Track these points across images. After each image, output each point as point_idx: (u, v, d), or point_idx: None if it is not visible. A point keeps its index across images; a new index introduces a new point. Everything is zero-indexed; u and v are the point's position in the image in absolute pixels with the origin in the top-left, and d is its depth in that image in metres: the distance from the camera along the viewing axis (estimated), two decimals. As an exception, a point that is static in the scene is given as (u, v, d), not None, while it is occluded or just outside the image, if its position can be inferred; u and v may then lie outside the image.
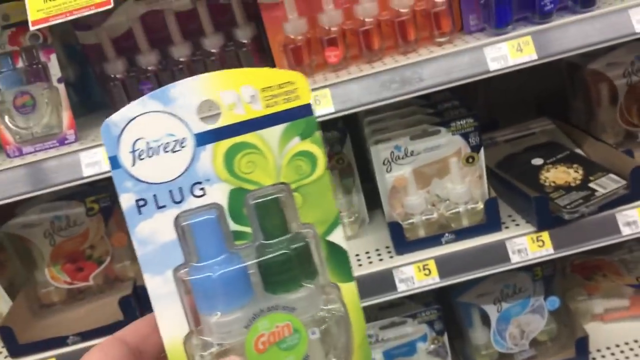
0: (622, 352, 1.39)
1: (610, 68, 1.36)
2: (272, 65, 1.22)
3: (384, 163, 1.24)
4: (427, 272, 1.23)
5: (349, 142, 1.36)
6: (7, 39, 1.16)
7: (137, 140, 0.42)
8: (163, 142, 0.43)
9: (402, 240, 1.25)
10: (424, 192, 1.26)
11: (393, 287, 1.23)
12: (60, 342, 1.23)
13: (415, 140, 1.23)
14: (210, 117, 0.44)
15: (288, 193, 0.45)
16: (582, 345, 1.37)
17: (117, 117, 0.42)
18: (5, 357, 1.24)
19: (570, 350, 1.38)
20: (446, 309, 1.39)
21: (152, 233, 0.43)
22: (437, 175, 1.25)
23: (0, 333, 1.22)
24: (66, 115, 1.15)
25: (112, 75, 1.22)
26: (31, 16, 0.95)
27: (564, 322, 1.42)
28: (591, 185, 1.24)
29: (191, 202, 0.43)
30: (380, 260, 1.27)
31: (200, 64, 1.23)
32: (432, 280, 1.23)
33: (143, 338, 0.45)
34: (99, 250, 1.36)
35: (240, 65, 1.22)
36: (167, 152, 0.43)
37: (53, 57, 1.15)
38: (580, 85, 1.44)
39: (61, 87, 1.16)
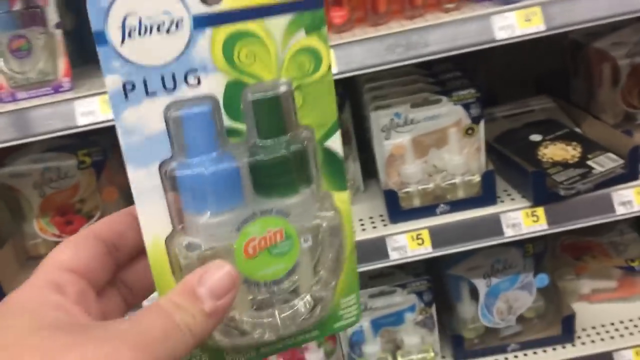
0: (607, 332, 1.40)
1: (614, 48, 1.35)
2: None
3: (382, 130, 1.23)
4: (420, 241, 1.22)
5: (348, 108, 1.35)
6: (4, -20, 1.12)
7: (128, 15, 0.37)
8: (158, 20, 0.38)
9: (396, 209, 1.24)
10: (421, 161, 1.25)
11: (385, 255, 1.23)
12: (47, 293, 1.21)
13: (415, 109, 1.22)
14: None
15: (289, 90, 0.41)
16: (568, 323, 1.38)
17: None
18: (-10, 306, 1.22)
19: (556, 328, 1.39)
20: (436, 282, 1.39)
21: (139, 121, 0.39)
22: (436, 145, 1.24)
23: (-14, 282, 1.20)
24: (62, 62, 1.13)
25: (111, 25, 1.19)
26: (31, -46, 0.92)
27: (552, 300, 1.43)
28: (589, 163, 1.24)
29: (184, 91, 0.39)
30: (374, 228, 1.26)
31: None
32: (425, 250, 1.23)
33: (119, 234, 0.42)
34: (89, 204, 1.34)
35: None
36: (161, 32, 0.38)
37: (51, 1, 1.12)
38: (583, 64, 1.43)
39: (58, 33, 1.13)
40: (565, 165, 1.24)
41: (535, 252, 1.36)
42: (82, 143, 1.31)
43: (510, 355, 1.39)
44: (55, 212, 1.33)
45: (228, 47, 0.40)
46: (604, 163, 1.22)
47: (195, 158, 0.40)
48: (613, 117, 1.39)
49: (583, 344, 1.38)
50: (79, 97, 1.08)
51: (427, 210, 1.24)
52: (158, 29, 0.38)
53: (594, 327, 1.42)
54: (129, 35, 0.38)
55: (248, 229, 0.41)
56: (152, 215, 0.40)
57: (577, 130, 1.38)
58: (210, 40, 0.39)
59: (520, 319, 1.40)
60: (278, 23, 0.40)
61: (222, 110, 0.40)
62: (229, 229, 0.41)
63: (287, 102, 0.41)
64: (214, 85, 0.40)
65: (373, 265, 1.23)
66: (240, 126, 0.41)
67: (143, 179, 0.40)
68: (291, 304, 0.43)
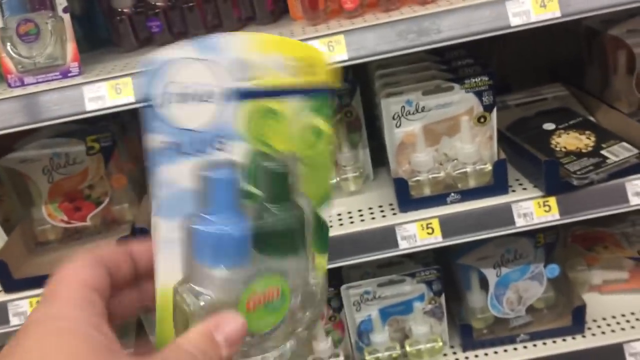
0: (618, 323, 1.39)
1: (630, 35, 1.33)
2: (286, 8, 1.18)
3: (393, 118, 1.22)
4: (430, 230, 1.21)
5: (358, 95, 1.34)
6: (12, -36, 1.11)
7: (173, 82, 0.42)
8: (197, 90, 0.43)
9: (406, 197, 1.23)
10: (433, 150, 1.24)
11: (395, 244, 1.22)
12: (55, 279, 1.21)
13: (427, 96, 1.20)
14: (243, 76, 0.45)
15: (296, 164, 0.47)
16: (578, 314, 1.36)
17: (160, 56, 0.42)
18: (-1, 291, 1.22)
19: (566, 319, 1.38)
20: (445, 271, 1.38)
21: (171, 177, 0.43)
22: (447, 134, 1.23)
23: (-5, 267, 1.20)
24: (70, 47, 1.12)
25: (119, 10, 1.18)
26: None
27: (562, 290, 1.41)
28: (603, 152, 1.22)
29: (212, 155, 0.44)
30: (383, 216, 1.25)
31: (211, 4, 1.19)
32: (435, 240, 1.21)
33: (116, 265, 0.45)
34: (98, 190, 1.34)
35: (252, 6, 1.18)
36: (198, 101, 0.43)
37: (59, -15, 1.11)
38: (598, 51, 1.41)
39: (66, 18, 1.12)
40: (578, 154, 1.22)
41: (546, 242, 1.34)
42: (91, 129, 1.30)
43: (519, 346, 1.38)
44: (63, 198, 1.33)
45: (252, 119, 0.45)
46: (618, 153, 1.20)
47: (215, 215, 0.44)
48: (628, 106, 1.36)
49: (593, 335, 1.37)
50: (87, 82, 1.07)
51: (437, 199, 1.23)
52: (196, 98, 0.43)
53: (604, 318, 1.41)
54: (172, 100, 0.42)
55: (254, 285, 0.45)
56: (168, 263, 0.44)
57: (591, 119, 1.36)
58: (238, 112, 0.44)
59: (530, 309, 1.39)
60: (293, 103, 0.46)
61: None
62: (238, 283, 0.44)
63: (293, 175, 0.46)
64: (238, 151, 0.45)
65: (382, 255, 1.22)
66: (252, 189, 0.45)
67: (166, 230, 0.44)
68: (266, 356, 0.48)
